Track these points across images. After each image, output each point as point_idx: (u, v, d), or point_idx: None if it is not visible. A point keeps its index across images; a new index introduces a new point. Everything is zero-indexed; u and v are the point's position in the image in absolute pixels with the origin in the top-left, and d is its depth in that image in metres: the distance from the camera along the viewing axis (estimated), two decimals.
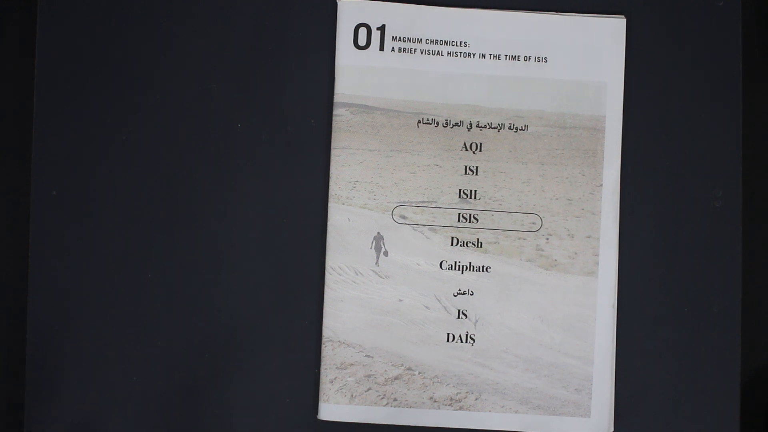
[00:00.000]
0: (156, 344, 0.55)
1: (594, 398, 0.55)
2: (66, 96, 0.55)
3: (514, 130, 0.55)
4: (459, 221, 0.55)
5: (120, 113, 0.55)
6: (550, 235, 0.55)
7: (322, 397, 0.54)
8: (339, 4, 0.55)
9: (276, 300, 0.55)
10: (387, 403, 0.54)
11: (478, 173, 0.55)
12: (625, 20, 0.55)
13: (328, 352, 0.54)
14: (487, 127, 0.55)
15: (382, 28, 0.55)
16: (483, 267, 0.55)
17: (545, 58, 0.55)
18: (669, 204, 0.55)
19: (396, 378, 0.55)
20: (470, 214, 0.55)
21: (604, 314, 0.55)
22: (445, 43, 0.55)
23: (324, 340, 0.55)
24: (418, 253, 0.55)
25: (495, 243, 0.55)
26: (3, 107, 0.59)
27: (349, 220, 0.55)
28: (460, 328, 0.55)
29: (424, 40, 0.55)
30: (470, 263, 0.55)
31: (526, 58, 0.55)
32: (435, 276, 0.55)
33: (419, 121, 0.55)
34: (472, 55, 0.55)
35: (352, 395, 0.54)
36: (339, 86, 0.55)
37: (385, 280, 0.55)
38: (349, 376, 0.54)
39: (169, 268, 0.55)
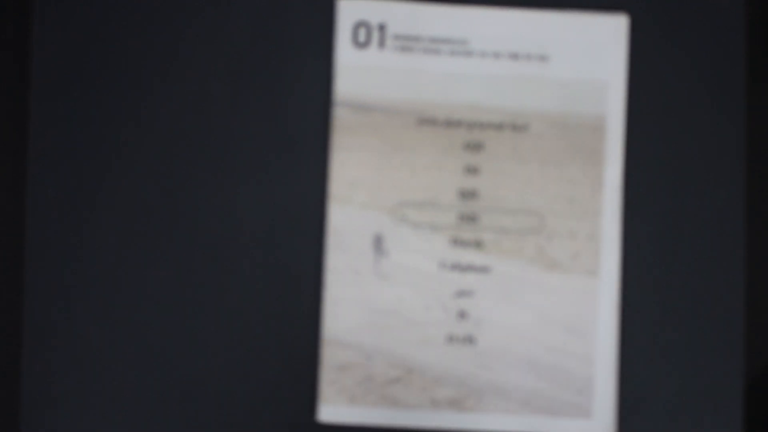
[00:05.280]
0: (156, 344, 0.55)
1: (596, 399, 0.54)
2: (65, 96, 0.55)
3: (515, 129, 0.55)
4: (459, 221, 0.55)
5: (119, 113, 0.55)
6: (552, 235, 0.55)
7: (322, 398, 0.54)
8: (338, 2, 0.55)
9: (276, 300, 0.55)
10: (387, 405, 0.54)
11: (479, 173, 0.55)
12: (627, 18, 0.55)
13: (327, 352, 0.54)
14: (488, 126, 0.55)
15: (381, 27, 0.55)
16: (483, 267, 0.55)
17: (546, 56, 0.55)
18: (671, 204, 0.55)
19: (396, 379, 0.54)
20: (471, 214, 0.55)
21: (606, 315, 0.54)
22: (446, 41, 0.55)
23: (324, 340, 0.54)
24: (418, 253, 0.55)
25: (496, 243, 0.55)
26: (1, 107, 0.59)
27: (349, 220, 0.55)
28: (461, 329, 0.55)
29: (424, 39, 0.55)
30: (471, 263, 0.55)
31: (527, 57, 0.55)
32: (435, 276, 0.55)
33: (419, 121, 0.55)
34: (472, 54, 0.55)
35: (351, 396, 0.54)
36: (339, 85, 0.55)
37: (385, 280, 0.55)
38: (349, 378, 0.54)
39: (169, 268, 0.55)
